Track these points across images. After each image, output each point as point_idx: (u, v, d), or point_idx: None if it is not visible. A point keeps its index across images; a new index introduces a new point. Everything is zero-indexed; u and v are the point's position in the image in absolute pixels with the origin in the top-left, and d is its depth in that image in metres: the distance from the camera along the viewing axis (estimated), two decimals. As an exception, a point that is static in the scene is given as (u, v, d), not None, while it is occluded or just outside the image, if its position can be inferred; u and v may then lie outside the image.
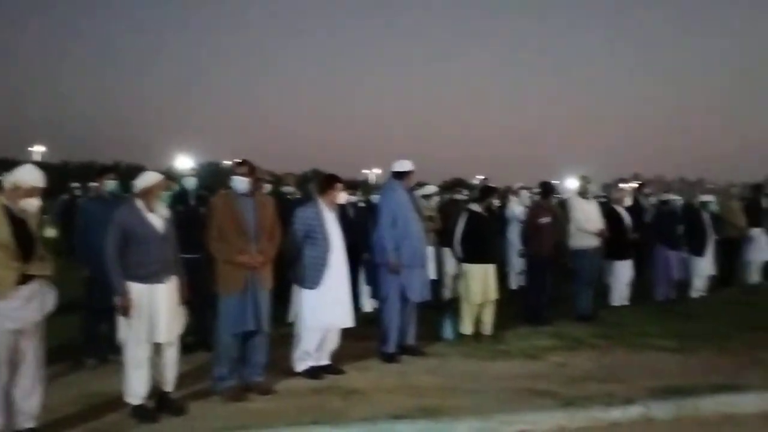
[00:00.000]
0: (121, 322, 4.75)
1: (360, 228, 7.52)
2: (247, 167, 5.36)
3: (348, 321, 5.98)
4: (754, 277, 12.23)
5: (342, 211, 6.63)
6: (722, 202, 11.75)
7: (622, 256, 9.42)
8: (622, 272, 9.49)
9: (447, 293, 9.37)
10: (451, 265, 8.64)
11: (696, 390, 5.37)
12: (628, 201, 10.19)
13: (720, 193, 12.77)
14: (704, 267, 10.53)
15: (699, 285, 10.56)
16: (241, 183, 5.33)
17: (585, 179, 8.98)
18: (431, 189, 9.24)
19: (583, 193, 8.92)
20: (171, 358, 4.90)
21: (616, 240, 9.16)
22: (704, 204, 10.86)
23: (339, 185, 6.05)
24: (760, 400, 5.26)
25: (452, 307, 7.81)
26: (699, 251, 10.39)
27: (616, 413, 4.89)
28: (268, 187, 8.17)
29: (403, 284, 6.44)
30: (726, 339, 7.43)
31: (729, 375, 5.91)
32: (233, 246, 5.22)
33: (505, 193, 12.55)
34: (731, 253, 11.69)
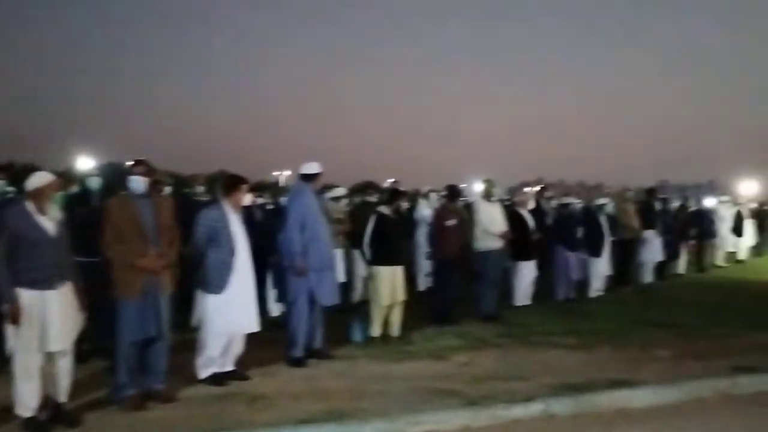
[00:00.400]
0: (10, 330, 4.49)
1: (267, 230, 7.42)
2: (145, 167, 5.18)
3: (253, 326, 5.87)
4: (648, 276, 12.89)
5: (249, 214, 6.52)
6: (618, 205, 12.30)
7: (525, 257, 9.71)
8: (526, 273, 9.78)
9: (357, 296, 9.41)
10: (361, 267, 8.66)
11: (593, 386, 5.58)
12: (531, 204, 10.53)
13: (615, 196, 13.33)
14: (601, 267, 11.01)
15: (597, 285, 11.03)
16: (138, 183, 5.13)
17: (489, 183, 9.20)
18: (340, 191, 9.24)
19: (487, 197, 9.13)
20: (64, 367, 4.67)
21: (520, 241, 9.44)
22: (601, 207, 11.35)
23: (244, 186, 5.94)
24: (652, 395, 5.52)
25: (361, 310, 7.83)
26: (596, 252, 10.84)
27: (518, 411, 5.02)
28: (168, 189, 7.93)
29: (311, 288, 6.39)
30: (622, 336, 7.78)
31: (624, 371, 6.17)
32: (132, 249, 5.03)
33: (414, 196, 12.69)
34: (626, 254, 12.26)
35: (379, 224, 7.51)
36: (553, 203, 12.51)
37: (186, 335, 6.15)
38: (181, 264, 5.49)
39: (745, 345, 7.41)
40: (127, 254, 5.02)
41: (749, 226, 18.19)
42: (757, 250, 19.18)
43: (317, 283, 6.40)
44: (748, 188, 35.93)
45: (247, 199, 6.17)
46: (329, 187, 9.35)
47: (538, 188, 13.14)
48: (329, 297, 6.54)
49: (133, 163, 5.27)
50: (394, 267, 7.54)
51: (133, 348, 5.12)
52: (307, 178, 6.65)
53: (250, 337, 5.98)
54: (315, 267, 6.36)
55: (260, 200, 8.88)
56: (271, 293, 8.12)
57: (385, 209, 7.68)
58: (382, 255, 7.48)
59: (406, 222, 9.66)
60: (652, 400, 5.45)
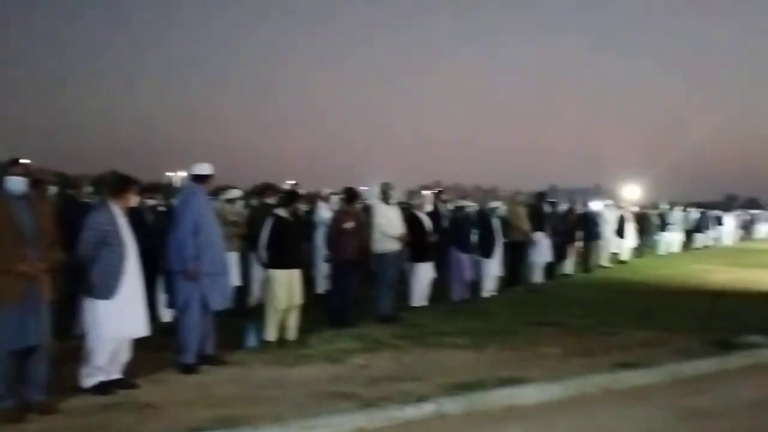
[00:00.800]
0: None
1: (159, 233, 7.16)
2: (23, 167, 4.90)
3: (143, 330, 5.65)
4: (538, 277, 13.41)
5: (139, 216, 6.27)
6: (509, 208, 12.73)
7: (422, 259, 9.86)
8: (423, 274, 9.93)
9: (253, 300, 9.25)
10: (258, 270, 8.52)
11: (484, 384, 5.73)
12: (428, 207, 10.71)
13: (507, 200, 13.80)
14: (493, 268, 11.34)
15: (489, 285, 11.35)
16: (16, 184, 4.84)
17: (387, 186, 9.28)
18: (235, 193, 9.06)
19: (385, 199, 9.20)
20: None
21: (417, 244, 9.59)
22: (493, 210, 11.70)
23: (134, 187, 5.72)
24: (540, 392, 5.72)
25: (256, 314, 7.70)
26: (489, 254, 11.16)
27: (411, 411, 5.08)
28: (53, 189, 7.53)
29: (203, 292, 6.21)
30: (512, 335, 8.03)
31: (514, 369, 6.38)
32: (9, 253, 4.72)
33: (313, 199, 12.63)
34: (517, 255, 12.69)
35: (276, 227, 7.41)
36: (450, 206, 12.77)
37: (69, 343, 5.85)
38: (64, 269, 5.21)
39: (627, 342, 7.83)
40: (3, 259, 4.72)
41: (631, 229, 19.28)
42: (638, 252, 20.37)
43: (209, 288, 6.23)
44: (631, 192, 38.05)
45: (134, 200, 5.91)
46: (224, 188, 9.16)
47: (435, 191, 13.36)
48: (221, 302, 6.38)
49: (9, 162, 4.97)
50: (291, 270, 7.46)
51: (11, 358, 4.82)
52: (199, 179, 6.48)
53: (139, 344, 5.76)
54: (207, 271, 6.18)
55: (151, 202, 8.57)
56: (162, 298, 7.85)
57: (282, 211, 7.59)
58: (278, 258, 7.38)
59: (304, 224, 9.59)
60: (540, 396, 5.65)
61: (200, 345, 6.34)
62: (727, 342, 7.71)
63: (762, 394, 6.15)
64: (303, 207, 9.37)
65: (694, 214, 26.55)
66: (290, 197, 7.81)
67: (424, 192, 12.61)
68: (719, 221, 29.60)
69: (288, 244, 7.42)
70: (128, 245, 5.53)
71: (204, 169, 6.51)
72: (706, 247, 26.56)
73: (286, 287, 7.36)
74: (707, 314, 9.97)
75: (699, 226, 26.27)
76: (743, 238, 34.09)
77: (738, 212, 38.67)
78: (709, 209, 30.80)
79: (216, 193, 9.61)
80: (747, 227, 36.10)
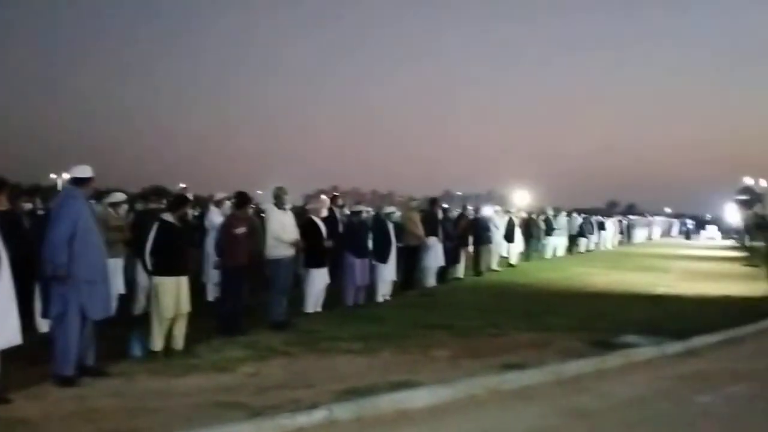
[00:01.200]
0: None
1: (36, 239, 6.75)
2: None
3: (14, 339, 5.29)
4: (431, 281, 13.64)
5: (16, 220, 5.88)
6: (404, 213, 12.89)
7: (317, 265, 9.78)
8: (317, 280, 9.85)
9: (139, 308, 8.91)
10: (143, 278, 8.20)
11: (375, 389, 5.74)
12: (324, 212, 10.66)
13: (402, 205, 13.98)
14: (388, 273, 11.43)
15: (384, 290, 11.43)
16: None
17: (281, 190, 9.15)
18: (119, 197, 8.70)
19: (279, 204, 9.07)
20: None
21: (312, 249, 9.51)
22: (389, 215, 11.80)
23: (4, 190, 5.36)
24: (429, 395, 5.79)
25: (141, 323, 7.40)
26: (383, 258, 11.24)
27: (302, 419, 5.01)
28: None
29: (81, 301, 5.89)
30: (405, 339, 8.11)
31: (405, 372, 6.43)
32: None
33: (205, 203, 12.32)
34: (411, 260, 12.86)
35: (162, 232, 7.15)
36: (346, 211, 12.79)
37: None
38: None
39: (514, 343, 8.07)
40: None
41: (519, 234, 19.98)
42: (525, 255, 21.14)
43: (88, 296, 5.91)
44: (521, 198, 39.47)
45: (4, 203, 5.54)
46: (107, 192, 8.78)
47: (331, 196, 13.34)
48: (101, 310, 6.07)
49: None
50: (179, 277, 7.21)
51: None
52: (79, 182, 6.15)
53: (13, 356, 5.41)
54: (85, 278, 5.87)
55: (29, 206, 8.09)
56: (39, 307, 7.41)
57: (168, 216, 7.33)
58: (165, 265, 7.12)
59: (193, 230, 9.33)
60: (430, 399, 5.72)
61: (80, 356, 6.01)
62: (606, 342, 8.09)
63: (637, 391, 6.48)
64: (192, 212, 9.09)
65: (578, 219, 27.84)
66: (178, 201, 7.56)
67: (323, 197, 12.54)
68: (601, 226, 31.19)
69: (175, 250, 7.17)
70: (1, 251, 5.18)
71: (84, 171, 6.18)
72: (588, 250, 27.92)
73: (173, 295, 7.11)
74: (588, 315, 10.46)
75: (582, 231, 27.56)
76: (623, 243, 36.07)
77: (618, 218, 40.84)
78: (591, 215, 32.38)
79: (99, 196, 9.20)
80: (626, 232, 38.18)
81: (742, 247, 31.79)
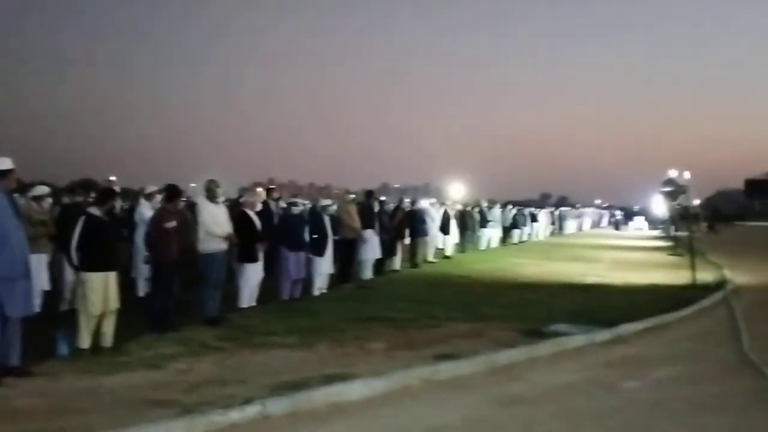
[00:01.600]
0: None
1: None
2: None
3: None
4: (368, 273, 13.65)
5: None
6: (340, 206, 12.84)
7: (251, 259, 9.64)
8: (251, 274, 9.72)
9: (66, 305, 8.64)
10: (70, 273, 7.93)
11: (309, 383, 5.71)
12: (258, 205, 10.52)
13: (338, 197, 13.93)
14: (324, 266, 11.37)
15: (320, 283, 11.38)
16: None
17: (213, 183, 8.98)
18: (43, 190, 8.39)
19: (211, 197, 8.90)
20: None
21: (246, 243, 9.38)
22: (325, 208, 11.73)
23: None
24: (364, 387, 5.79)
25: (68, 320, 7.16)
26: (320, 252, 11.17)
27: (235, 415, 4.94)
28: None
29: (0, 299, 5.65)
30: (341, 332, 8.09)
31: (340, 366, 6.42)
32: None
33: (135, 196, 12.00)
34: (348, 253, 12.84)
35: (89, 226, 6.93)
36: (282, 204, 12.65)
37: None
38: None
39: (449, 334, 8.16)
40: None
41: (454, 226, 20.21)
42: (461, 247, 21.41)
43: (6, 293, 5.67)
44: (456, 191, 39.87)
45: None
46: (30, 185, 8.44)
47: (266, 189, 13.16)
48: (21, 308, 5.83)
49: None
50: (107, 273, 7.01)
51: None
52: (-2, 175, 5.89)
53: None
54: (5, 275, 5.64)
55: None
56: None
57: (95, 210, 7.10)
58: (92, 260, 6.91)
59: (121, 224, 9.07)
60: (365, 392, 5.73)
61: (2, 355, 5.77)
62: (537, 331, 8.27)
63: (567, 378, 6.66)
64: (119, 205, 8.83)
65: (512, 211, 28.36)
66: (105, 195, 7.32)
67: (259, 189, 12.36)
68: (534, 218, 31.87)
69: (102, 245, 6.96)
70: None
71: (4, 163, 5.92)
72: (522, 242, 28.51)
73: (100, 291, 6.91)
74: (521, 305, 10.67)
75: (516, 223, 28.11)
76: (554, 234, 36.97)
77: (550, 209, 41.82)
78: (525, 207, 33.05)
79: (22, 190, 8.85)
80: (558, 223, 39.13)
81: (668, 237, 32.99)
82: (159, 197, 10.51)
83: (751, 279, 15.82)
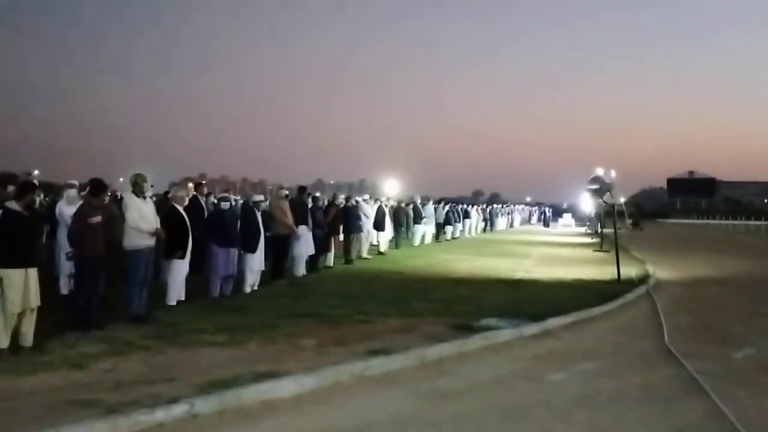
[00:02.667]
0: None
1: None
2: None
3: None
4: (301, 269, 13.55)
5: None
6: (272, 201, 12.71)
7: (179, 255, 9.43)
8: (179, 270, 9.51)
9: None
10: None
11: (239, 381, 5.63)
12: (186, 200, 10.30)
13: (271, 193, 13.80)
14: (256, 262, 11.23)
15: (251, 280, 11.23)
16: None
17: (139, 177, 8.72)
18: (-42, 183, 7.96)
19: (137, 192, 8.66)
20: None
21: (174, 239, 9.17)
22: (257, 203, 11.58)
23: None
24: (295, 384, 5.75)
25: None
26: (251, 248, 11.03)
27: (161, 414, 4.82)
28: None
29: None
30: (272, 329, 7.99)
31: (271, 363, 6.35)
32: None
33: (58, 191, 11.58)
34: (280, 249, 12.72)
35: (7, 221, 6.64)
36: (213, 199, 12.44)
37: None
38: None
39: (380, 329, 8.19)
40: None
41: (389, 222, 20.31)
42: (395, 243, 21.52)
43: None
44: (391, 187, 40.03)
45: None
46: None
47: (195, 183, 12.91)
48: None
49: None
50: (27, 269, 6.73)
51: None
52: None
53: None
54: None
55: None
56: None
57: (13, 204, 6.81)
58: (10, 256, 6.62)
59: (42, 219, 8.73)
60: (296, 389, 5.69)
61: None
62: (468, 326, 8.40)
63: (496, 371, 6.78)
64: (39, 199, 8.49)
65: (445, 208, 28.68)
66: (24, 188, 7.02)
67: (190, 185, 12.11)
68: (466, 214, 32.32)
69: (21, 241, 6.69)
70: None
71: None
72: (454, 238, 28.88)
73: (20, 288, 6.64)
74: (453, 300, 10.80)
75: (449, 219, 28.45)
76: (486, 230, 37.57)
77: (482, 206, 42.48)
78: (458, 204, 33.47)
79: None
80: (489, 220, 39.78)
81: (594, 234, 33.99)
82: (72, 192, 10.16)
83: (672, 274, 16.48)
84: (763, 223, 62.62)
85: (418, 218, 23.78)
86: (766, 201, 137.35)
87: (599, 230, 30.01)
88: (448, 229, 28.51)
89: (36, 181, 9.36)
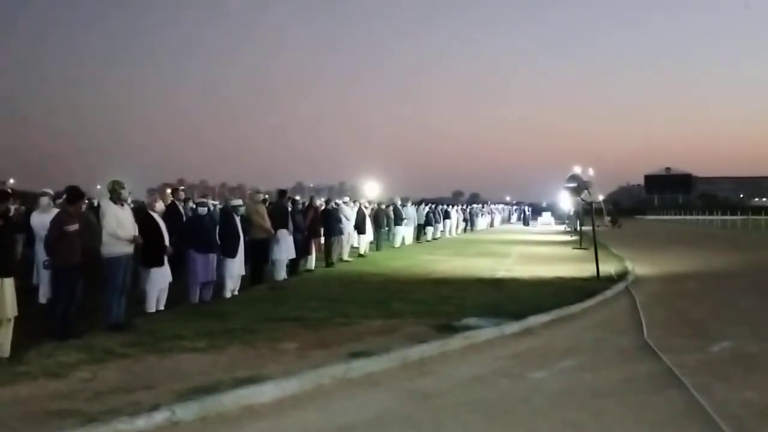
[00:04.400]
0: None
1: None
2: None
3: None
4: (281, 274, 13.51)
5: None
6: (250, 206, 12.65)
7: (157, 263, 9.35)
8: (158, 278, 9.42)
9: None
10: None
11: (220, 387, 5.59)
12: (161, 206, 10.22)
13: (248, 197, 13.73)
14: (236, 267, 11.17)
15: (231, 285, 11.17)
16: None
17: (117, 184, 8.63)
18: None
19: (114, 199, 8.57)
20: None
21: (152, 246, 9.09)
22: (236, 208, 11.52)
23: None
24: (276, 389, 5.72)
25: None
26: (231, 253, 10.97)
27: (141, 422, 4.78)
28: None
29: None
30: (252, 333, 7.96)
31: (252, 368, 6.32)
32: None
33: (35, 200, 11.45)
34: (260, 253, 12.67)
35: (-20, 231, 6.55)
36: (191, 204, 12.36)
37: None
38: None
39: (362, 331, 8.19)
40: None
41: (369, 224, 20.31)
42: (375, 245, 21.53)
43: None
44: (371, 189, 40.07)
45: None
46: None
47: (172, 189, 12.81)
48: None
49: None
50: (2, 279, 6.64)
51: None
52: None
53: None
54: None
55: None
56: None
57: (-12, 213, 6.72)
58: (-16, 266, 6.53)
59: (17, 227, 8.62)
60: (276, 393, 5.67)
61: None
62: (449, 325, 8.43)
63: (477, 370, 6.80)
64: (14, 208, 8.38)
65: (425, 209, 28.75)
66: (-1, 197, 6.93)
67: (168, 191, 12.01)
68: (446, 215, 32.43)
69: (-4, 250, 6.59)
70: None
71: None
72: (435, 238, 28.97)
73: (-4, 299, 6.54)
74: (434, 301, 10.83)
75: (429, 220, 28.53)
76: (466, 230, 37.73)
77: (462, 207, 42.65)
78: (438, 204, 33.58)
79: None
80: (470, 220, 39.95)
81: (573, 232, 34.24)
82: (46, 200, 10.06)
83: (651, 269, 16.66)
84: (738, 217, 63.47)
85: (398, 219, 23.81)
86: (741, 196, 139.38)
87: (578, 228, 30.24)
88: (429, 230, 28.59)
89: (10, 190, 9.21)
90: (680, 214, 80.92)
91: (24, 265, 10.04)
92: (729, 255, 22.49)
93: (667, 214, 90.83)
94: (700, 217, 68.38)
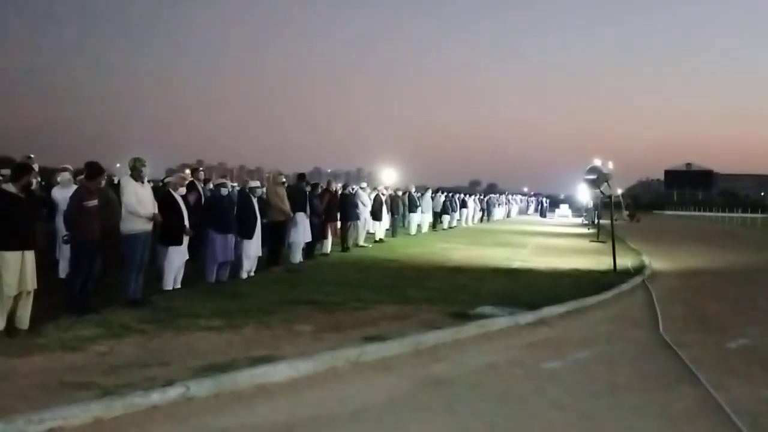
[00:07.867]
0: None
1: None
2: None
3: None
4: (298, 256, 13.56)
5: None
6: (269, 188, 12.69)
7: (175, 241, 9.42)
8: (176, 257, 9.50)
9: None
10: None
11: (235, 365, 5.63)
12: (183, 186, 10.29)
13: (268, 180, 13.76)
14: (253, 249, 11.23)
15: (248, 266, 11.23)
16: None
17: (138, 161, 8.68)
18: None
19: (135, 176, 8.63)
20: None
21: (171, 224, 9.16)
22: (253, 189, 11.56)
23: None
24: (290, 369, 5.76)
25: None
26: (248, 234, 11.02)
27: (156, 397, 4.83)
28: None
29: None
30: (268, 315, 8.01)
31: (267, 348, 6.36)
32: None
33: (53, 174, 11.55)
34: (277, 236, 12.72)
35: (3, 203, 6.61)
36: (210, 185, 12.42)
37: None
38: None
39: (376, 316, 8.21)
40: None
41: (386, 211, 20.30)
42: (391, 232, 21.54)
43: None
44: (388, 176, 40.01)
45: None
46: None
47: (192, 169, 12.88)
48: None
49: None
50: (23, 252, 6.71)
51: None
52: None
53: None
54: None
55: None
56: None
57: (9, 187, 6.78)
58: (6, 239, 6.59)
59: (39, 202, 8.70)
60: (291, 374, 5.69)
61: None
62: (463, 313, 8.41)
63: (490, 359, 6.80)
64: (35, 181, 8.45)
65: (442, 197, 28.68)
66: (20, 171, 6.99)
67: (187, 171, 12.08)
68: (463, 204, 32.33)
69: (17, 223, 6.65)
70: None
71: None
72: (451, 227, 28.91)
73: (16, 271, 6.61)
74: (449, 288, 10.82)
75: (446, 209, 28.46)
76: (483, 220, 37.61)
77: (479, 196, 42.50)
78: (455, 193, 33.49)
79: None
80: (486, 210, 39.82)
81: (591, 225, 34.03)
82: (66, 175, 10.14)
83: (668, 264, 16.53)
84: (759, 215, 62.79)
85: (412, 206, 23.79)
86: (762, 194, 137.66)
87: (596, 221, 30.04)
88: (445, 218, 28.53)
89: (35, 165, 9.28)
90: (700, 211, 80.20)
91: (46, 240, 10.14)
92: (748, 253, 22.26)
93: (686, 210, 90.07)
94: (720, 214, 67.70)
